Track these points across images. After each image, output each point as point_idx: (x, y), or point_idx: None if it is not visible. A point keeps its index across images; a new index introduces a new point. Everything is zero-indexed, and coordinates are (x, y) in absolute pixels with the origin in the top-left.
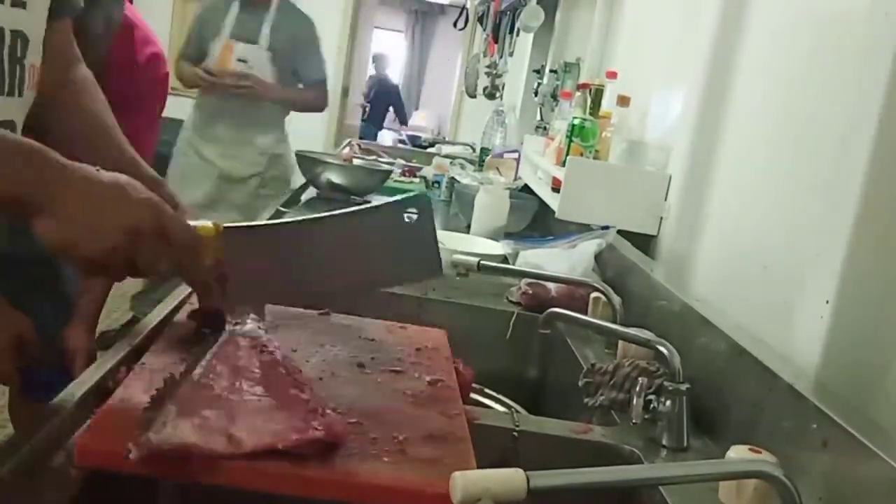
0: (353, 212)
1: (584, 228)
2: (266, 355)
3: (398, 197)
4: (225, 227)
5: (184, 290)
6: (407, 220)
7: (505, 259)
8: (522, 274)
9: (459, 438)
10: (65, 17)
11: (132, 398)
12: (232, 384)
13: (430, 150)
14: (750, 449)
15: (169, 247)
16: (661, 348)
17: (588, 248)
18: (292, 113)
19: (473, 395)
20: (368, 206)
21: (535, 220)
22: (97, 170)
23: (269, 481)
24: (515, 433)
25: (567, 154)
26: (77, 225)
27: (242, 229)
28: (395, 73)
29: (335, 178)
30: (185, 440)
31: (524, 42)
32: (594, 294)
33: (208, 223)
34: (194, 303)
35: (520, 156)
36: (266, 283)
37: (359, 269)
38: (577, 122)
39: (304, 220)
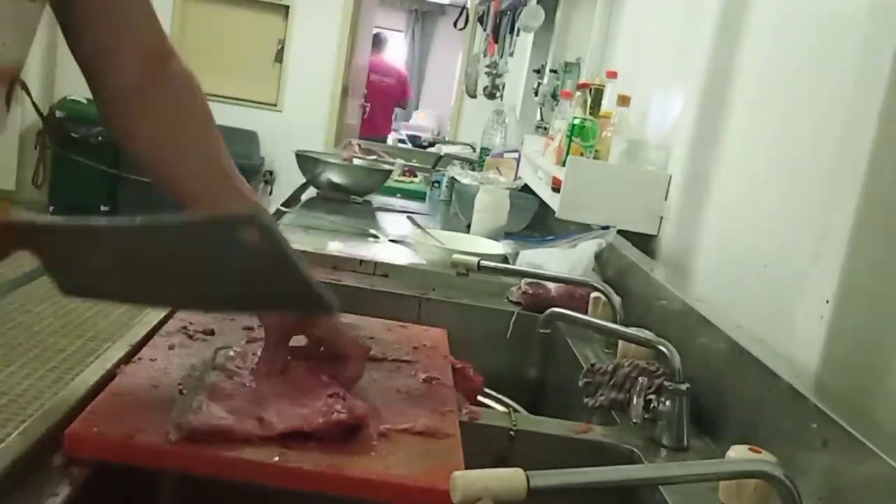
0: (173, 222)
1: (584, 228)
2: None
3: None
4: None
5: None
6: (243, 241)
7: (505, 259)
8: (522, 274)
9: (447, 434)
10: None
11: (126, 390)
12: (251, 371)
13: (430, 150)
14: (750, 449)
15: None
16: (661, 348)
17: (588, 248)
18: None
19: None
20: (192, 218)
21: (535, 220)
22: None
23: (257, 474)
24: (512, 432)
25: (567, 154)
26: None
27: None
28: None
29: (335, 177)
30: (220, 423)
31: (524, 42)
32: (594, 294)
33: None
34: None
35: (520, 156)
36: (91, 276)
37: (198, 282)
38: (577, 122)
39: (114, 224)
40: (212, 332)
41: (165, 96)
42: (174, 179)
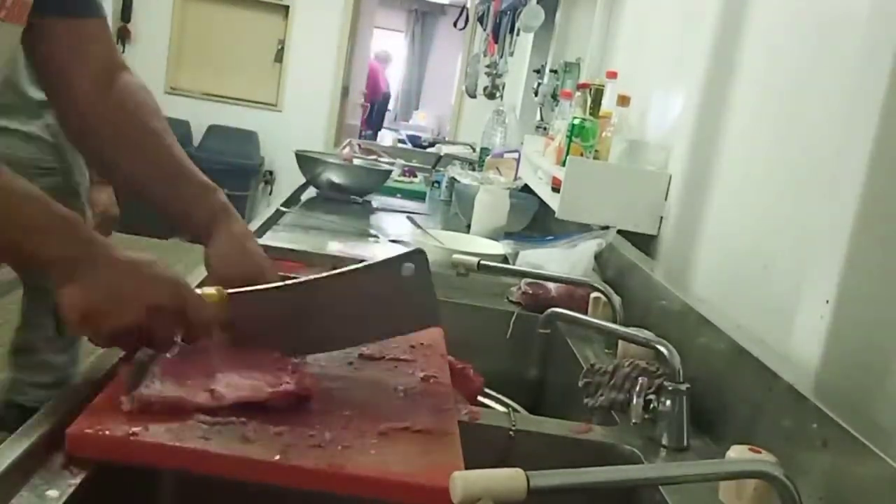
0: (354, 270)
1: (584, 228)
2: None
3: (396, 253)
4: (230, 294)
5: None
6: (405, 272)
7: (505, 259)
8: (522, 274)
9: (446, 432)
10: (91, 18)
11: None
12: (207, 349)
13: (430, 150)
14: (750, 449)
15: (186, 323)
16: (661, 348)
17: (588, 248)
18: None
19: None
20: (368, 263)
21: (535, 220)
22: (123, 249)
23: (258, 472)
24: (512, 432)
25: (567, 154)
26: (102, 297)
27: (247, 294)
28: (396, 73)
29: (335, 177)
30: (171, 394)
31: (524, 42)
32: (594, 294)
33: (213, 290)
34: None
35: (520, 156)
36: (269, 340)
37: (360, 322)
38: (577, 122)
39: (307, 280)
40: None
41: (116, 105)
42: (132, 174)
